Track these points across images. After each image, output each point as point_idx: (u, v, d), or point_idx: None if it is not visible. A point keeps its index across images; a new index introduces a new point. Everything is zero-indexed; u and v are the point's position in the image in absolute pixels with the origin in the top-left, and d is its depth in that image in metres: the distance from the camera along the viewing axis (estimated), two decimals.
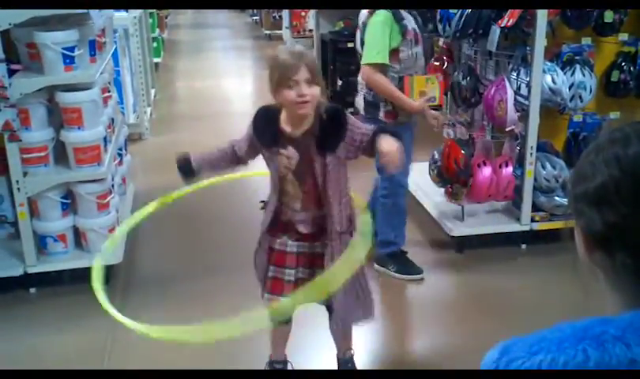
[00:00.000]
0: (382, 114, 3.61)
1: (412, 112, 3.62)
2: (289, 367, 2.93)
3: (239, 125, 7.39)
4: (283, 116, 2.47)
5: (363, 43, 3.60)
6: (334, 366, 2.97)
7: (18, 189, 3.59)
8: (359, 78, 3.71)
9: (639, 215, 0.89)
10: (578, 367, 0.87)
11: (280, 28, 12.03)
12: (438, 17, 4.18)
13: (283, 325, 2.78)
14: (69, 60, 3.54)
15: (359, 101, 3.75)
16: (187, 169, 2.66)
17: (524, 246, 4.22)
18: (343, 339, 2.84)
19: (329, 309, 2.67)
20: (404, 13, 3.55)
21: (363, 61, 3.58)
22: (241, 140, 2.63)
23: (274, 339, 2.85)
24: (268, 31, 13.25)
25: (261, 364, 2.93)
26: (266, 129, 2.49)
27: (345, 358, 2.89)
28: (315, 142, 2.42)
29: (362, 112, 3.72)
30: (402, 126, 3.55)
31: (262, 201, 2.69)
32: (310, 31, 9.83)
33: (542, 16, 3.74)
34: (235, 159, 2.67)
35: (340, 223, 2.51)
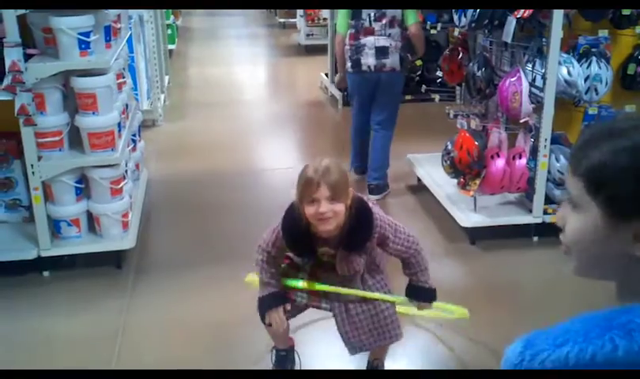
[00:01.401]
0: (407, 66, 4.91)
1: None
2: (296, 355, 2.94)
3: (252, 113, 7.39)
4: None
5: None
6: (344, 360, 2.98)
7: (33, 173, 3.62)
8: (388, 42, 4.66)
9: None
10: (607, 357, 0.86)
11: (295, 17, 12.00)
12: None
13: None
14: (84, 45, 3.55)
15: (394, 60, 4.69)
16: (283, 300, 2.67)
17: (535, 238, 4.21)
18: (379, 349, 2.83)
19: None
20: None
21: (411, 22, 4.65)
22: (272, 243, 2.59)
23: (271, 335, 2.84)
24: (282, 20, 13.23)
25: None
26: (301, 241, 2.52)
27: (374, 365, 2.89)
28: (344, 243, 2.49)
29: (397, 69, 4.74)
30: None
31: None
32: (325, 19, 9.81)
33: None
34: (277, 258, 2.65)
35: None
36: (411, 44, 4.77)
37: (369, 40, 4.67)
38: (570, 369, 0.89)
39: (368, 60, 4.70)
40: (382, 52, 4.67)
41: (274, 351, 2.92)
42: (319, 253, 2.55)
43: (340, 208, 2.37)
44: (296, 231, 2.47)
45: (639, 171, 0.90)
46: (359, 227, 2.45)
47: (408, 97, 6.47)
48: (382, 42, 4.65)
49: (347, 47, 4.81)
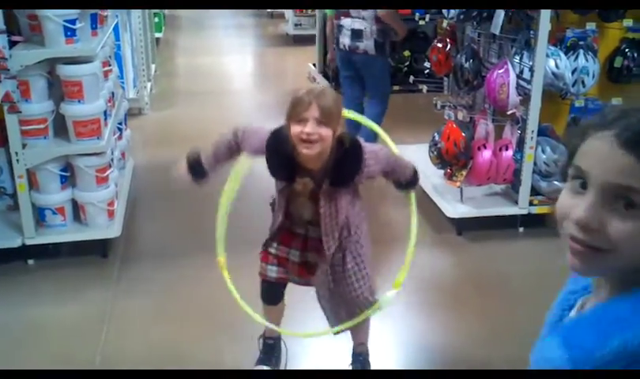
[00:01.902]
0: (387, 51, 5.07)
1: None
2: (282, 345, 2.94)
3: (239, 103, 7.35)
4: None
5: None
6: (332, 350, 2.99)
7: (17, 160, 3.58)
8: (363, 25, 4.87)
9: None
10: None
11: None
12: None
13: (277, 304, 2.78)
14: (70, 32, 3.52)
15: (369, 44, 4.91)
16: (198, 171, 2.61)
17: (521, 229, 4.23)
18: (358, 331, 2.78)
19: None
20: None
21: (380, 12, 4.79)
22: (249, 138, 2.53)
23: (267, 318, 2.84)
24: (270, 9, 13.16)
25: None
26: (281, 164, 2.41)
27: (357, 352, 2.85)
28: (329, 177, 2.39)
29: (372, 52, 4.93)
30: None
31: (272, 202, 2.67)
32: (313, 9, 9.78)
33: None
34: (238, 151, 2.61)
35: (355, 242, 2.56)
36: (389, 28, 4.94)
37: (346, 22, 4.99)
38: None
39: (345, 40, 5.04)
40: (356, 35, 4.96)
41: (261, 340, 2.92)
42: (297, 183, 2.41)
43: (327, 133, 2.26)
44: (280, 150, 2.37)
45: None
46: (347, 162, 2.36)
47: (396, 88, 6.47)
48: (357, 25, 4.93)
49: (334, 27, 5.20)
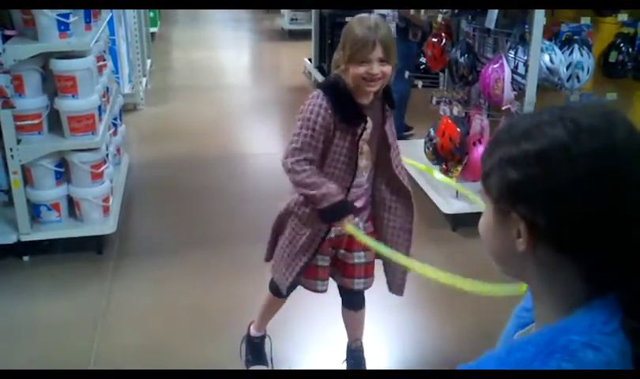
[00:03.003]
0: (410, 36, 5.37)
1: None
2: (267, 342, 2.91)
3: (234, 98, 7.36)
4: (351, 87, 2.33)
5: None
6: (321, 350, 2.99)
7: (12, 156, 3.58)
8: (387, 11, 5.19)
9: (613, 214, 0.84)
10: None
11: None
12: None
13: (281, 298, 2.75)
14: (64, 27, 3.51)
15: (392, 28, 4.91)
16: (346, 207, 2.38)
17: None
18: (356, 327, 2.80)
19: (345, 293, 2.68)
20: None
21: None
22: (310, 143, 2.31)
23: (267, 309, 2.83)
24: (269, 9, 13.11)
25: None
26: (346, 107, 2.31)
27: (353, 348, 2.84)
28: (382, 104, 2.40)
29: (395, 36, 5.00)
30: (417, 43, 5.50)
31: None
32: None
33: None
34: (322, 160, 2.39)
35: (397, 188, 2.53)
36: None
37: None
38: None
39: None
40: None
41: (246, 341, 2.90)
42: (367, 125, 2.35)
43: (388, 69, 2.27)
44: (344, 98, 2.30)
45: (516, 168, 0.89)
46: (387, 86, 2.39)
47: None
48: (383, 11, 5.22)
49: None
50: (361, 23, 2.28)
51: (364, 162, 2.43)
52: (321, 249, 2.47)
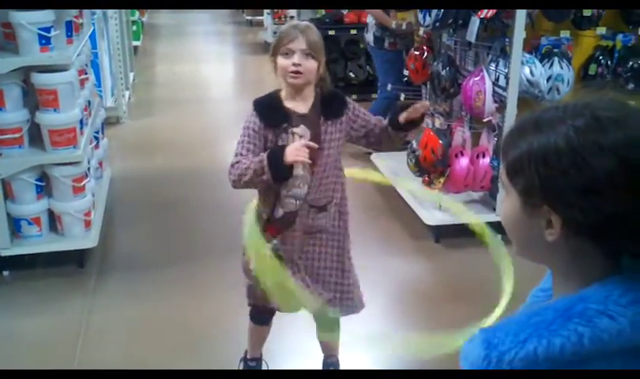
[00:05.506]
0: (386, 44, 5.39)
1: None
2: (264, 365, 2.90)
3: (218, 111, 7.33)
4: (284, 94, 2.41)
5: None
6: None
7: None
8: (370, 19, 5.45)
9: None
10: (575, 347, 0.88)
11: (262, 14, 11.94)
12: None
13: (263, 326, 2.76)
14: (45, 41, 3.49)
15: (370, 36, 5.46)
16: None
17: (499, 237, 4.24)
18: (330, 347, 2.83)
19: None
20: None
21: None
22: (248, 147, 2.36)
23: (253, 338, 2.83)
24: (249, 17, 13.15)
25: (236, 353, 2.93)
26: (272, 111, 2.39)
27: (328, 362, 2.86)
28: (321, 113, 2.40)
29: (372, 44, 5.48)
30: (396, 52, 5.39)
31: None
32: (292, 17, 9.77)
33: None
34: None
35: (339, 204, 2.51)
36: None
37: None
38: (544, 370, 0.88)
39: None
40: (367, 27, 5.57)
41: (243, 363, 2.89)
42: (292, 132, 2.35)
43: (313, 65, 2.32)
44: (271, 103, 2.40)
45: (548, 165, 0.92)
46: (334, 97, 2.44)
47: (374, 95, 6.48)
48: (369, 18, 5.55)
49: None
50: (291, 22, 2.42)
51: (300, 171, 2.36)
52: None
